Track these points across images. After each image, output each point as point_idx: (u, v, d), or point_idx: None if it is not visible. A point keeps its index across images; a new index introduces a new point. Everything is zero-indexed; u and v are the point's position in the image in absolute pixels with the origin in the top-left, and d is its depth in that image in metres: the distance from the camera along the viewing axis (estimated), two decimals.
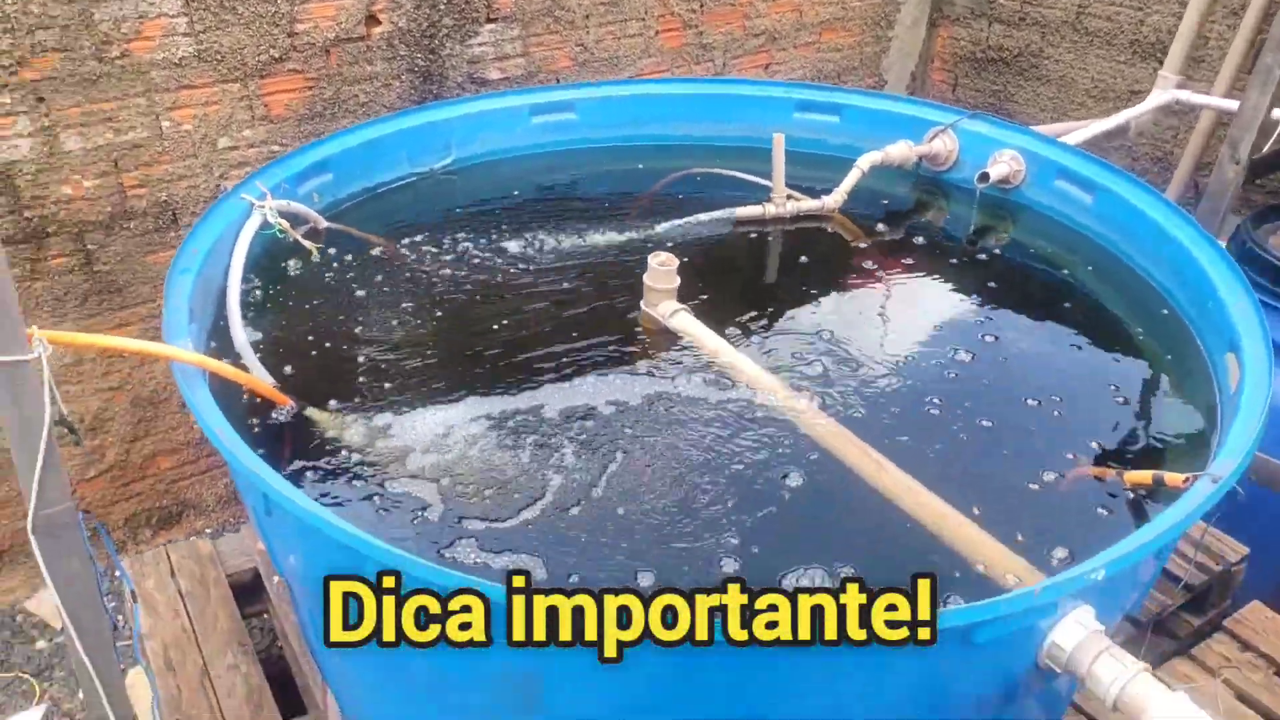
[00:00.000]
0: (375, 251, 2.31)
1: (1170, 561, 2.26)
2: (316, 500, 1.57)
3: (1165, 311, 1.98)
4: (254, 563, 2.38)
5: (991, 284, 2.22)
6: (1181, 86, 3.10)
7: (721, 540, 1.51)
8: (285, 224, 2.19)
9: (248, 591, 2.39)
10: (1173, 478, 1.42)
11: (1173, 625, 2.33)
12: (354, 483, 1.64)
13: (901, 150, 2.51)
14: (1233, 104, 2.71)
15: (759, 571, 1.45)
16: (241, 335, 1.85)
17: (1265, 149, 2.85)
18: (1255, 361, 1.57)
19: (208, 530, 3.04)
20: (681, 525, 1.54)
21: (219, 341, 1.90)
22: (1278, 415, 2.60)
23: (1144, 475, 1.50)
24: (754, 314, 2.15)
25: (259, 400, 1.75)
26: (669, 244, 2.34)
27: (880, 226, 2.50)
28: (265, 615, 2.49)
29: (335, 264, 2.24)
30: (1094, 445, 1.71)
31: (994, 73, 4.01)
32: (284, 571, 1.68)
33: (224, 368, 1.66)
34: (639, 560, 1.48)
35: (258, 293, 2.11)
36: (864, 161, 2.47)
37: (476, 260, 2.29)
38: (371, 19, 2.79)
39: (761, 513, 1.56)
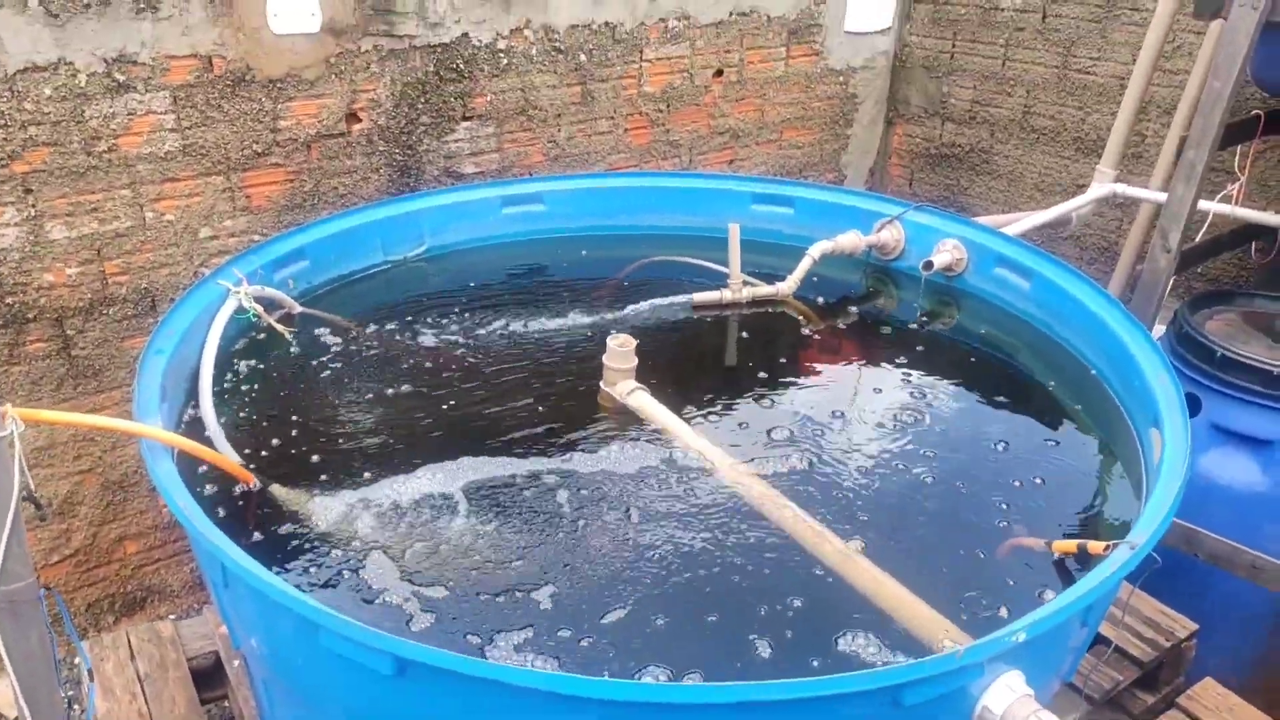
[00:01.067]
0: (347, 335, 2.39)
1: (1122, 639, 2.31)
2: (276, 573, 1.61)
3: (1097, 390, 2.09)
4: (215, 645, 2.38)
5: (937, 366, 2.32)
6: (1119, 180, 3.28)
7: (669, 613, 1.56)
8: (259, 308, 2.28)
9: (208, 675, 2.38)
10: (1094, 546, 1.49)
11: (1126, 702, 2.36)
12: (315, 558, 1.68)
13: (851, 239, 2.64)
14: (1163, 196, 2.88)
15: (716, 641, 1.50)
16: (211, 414, 1.92)
17: (1198, 238, 3.02)
18: (1175, 436, 1.66)
19: (171, 616, 3.04)
20: (635, 602, 1.59)
21: (189, 421, 1.96)
22: (1220, 495, 2.70)
23: (1070, 544, 1.57)
24: (711, 393, 2.23)
25: (226, 477, 1.81)
26: (631, 327, 2.44)
27: (832, 311, 2.62)
28: (225, 702, 2.47)
29: (308, 347, 2.32)
30: (1033, 517, 1.78)
31: (948, 168, 4.22)
32: (241, 647, 1.71)
33: (191, 444, 1.72)
34: (592, 635, 1.52)
35: (231, 374, 2.18)
36: (815, 250, 2.60)
37: (444, 343, 2.38)
38: (352, 116, 2.94)
39: (709, 584, 1.62)
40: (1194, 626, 2.38)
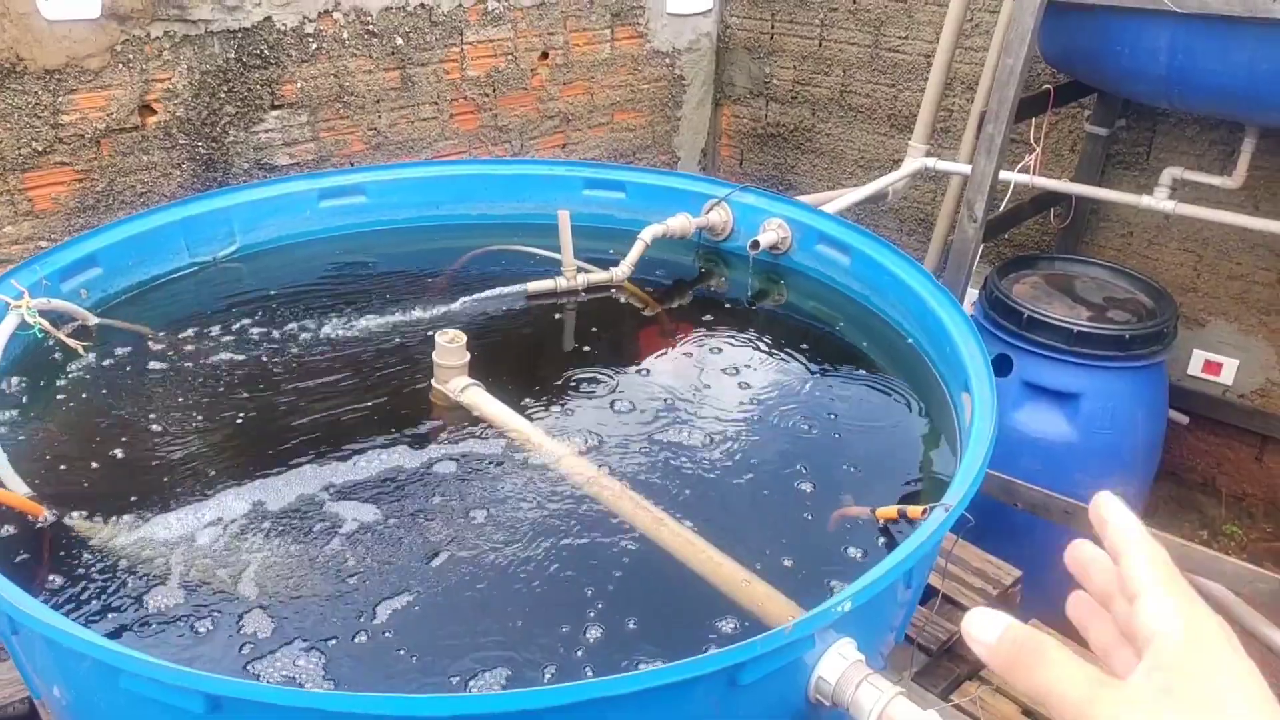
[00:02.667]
0: (150, 346, 2.22)
1: (951, 590, 2.43)
2: (72, 613, 1.48)
3: (914, 358, 2.18)
4: (28, 692, 2.17)
5: (767, 342, 2.37)
6: (929, 155, 3.44)
7: (503, 616, 1.52)
8: (45, 323, 2.08)
9: None
10: (913, 510, 1.55)
11: (962, 650, 2.49)
12: (118, 594, 1.55)
13: (681, 222, 2.66)
14: (969, 169, 3.04)
15: (556, 639, 1.47)
16: None
17: (1002, 207, 3.21)
18: (981, 399, 1.75)
19: None
20: (469, 608, 1.55)
21: None
22: (1033, 447, 2.89)
23: (891, 510, 1.63)
24: (549, 384, 2.20)
25: (12, 513, 1.63)
26: (464, 321, 2.37)
27: (667, 294, 2.63)
28: None
29: (106, 362, 2.13)
30: (860, 485, 1.84)
31: (774, 147, 4.32)
32: (43, 697, 1.55)
33: None
34: (424, 648, 1.47)
35: (15, 398, 1.97)
36: (646, 234, 2.59)
37: (261, 347, 2.24)
38: (146, 108, 2.72)
39: (549, 574, 1.59)
40: (1018, 573, 2.54)
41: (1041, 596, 2.76)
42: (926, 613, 2.36)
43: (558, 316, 2.54)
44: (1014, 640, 0.57)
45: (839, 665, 1.37)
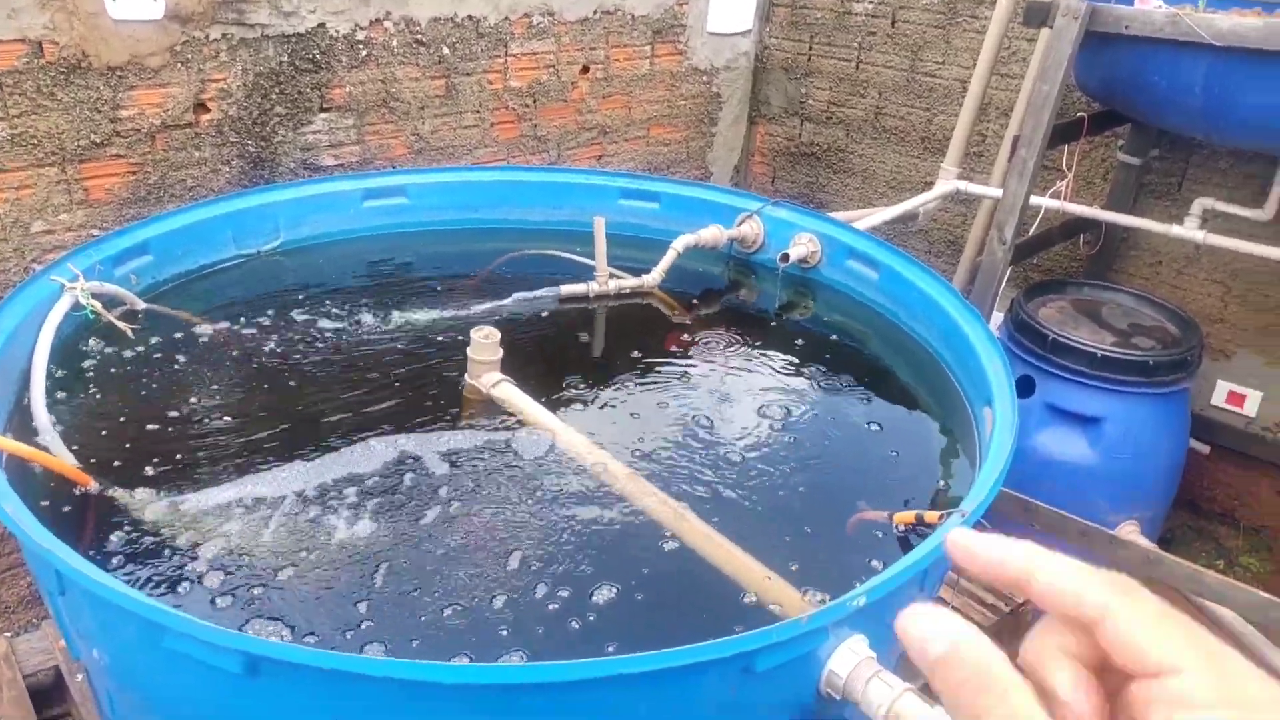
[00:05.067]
0: (194, 332, 2.30)
1: (965, 605, 2.45)
2: (115, 576, 1.54)
3: (939, 373, 2.21)
4: (55, 661, 2.25)
5: (794, 353, 2.42)
6: (961, 178, 3.48)
7: (542, 595, 1.57)
8: (98, 305, 2.17)
9: (48, 692, 2.25)
10: (930, 515, 1.59)
11: None
12: (159, 561, 1.62)
13: (713, 233, 2.72)
14: (1000, 192, 3.07)
15: (578, 622, 1.52)
16: (44, 416, 1.81)
17: (1031, 231, 3.24)
18: (1003, 413, 1.78)
19: (7, 633, 2.84)
20: (503, 587, 1.60)
21: (20, 424, 1.85)
22: (1053, 470, 2.91)
23: (909, 515, 1.67)
24: (578, 383, 2.25)
25: (61, 482, 1.71)
26: (497, 320, 2.44)
27: (696, 302, 2.69)
28: (69, 718, 2.34)
29: (152, 345, 2.22)
30: (882, 493, 1.88)
31: (807, 166, 4.38)
32: (83, 658, 1.62)
33: (20, 447, 1.62)
34: (463, 628, 1.52)
35: (67, 374, 2.06)
36: (679, 243, 2.65)
37: (301, 338, 2.32)
38: (201, 106, 2.82)
39: (578, 567, 1.64)
40: None
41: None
42: None
43: (588, 320, 2.60)
44: (967, 663, 0.42)
45: (850, 660, 1.41)
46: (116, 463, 1.83)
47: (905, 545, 1.71)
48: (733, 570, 1.61)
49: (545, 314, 2.56)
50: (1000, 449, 1.66)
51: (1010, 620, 2.50)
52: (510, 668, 1.33)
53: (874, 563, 1.70)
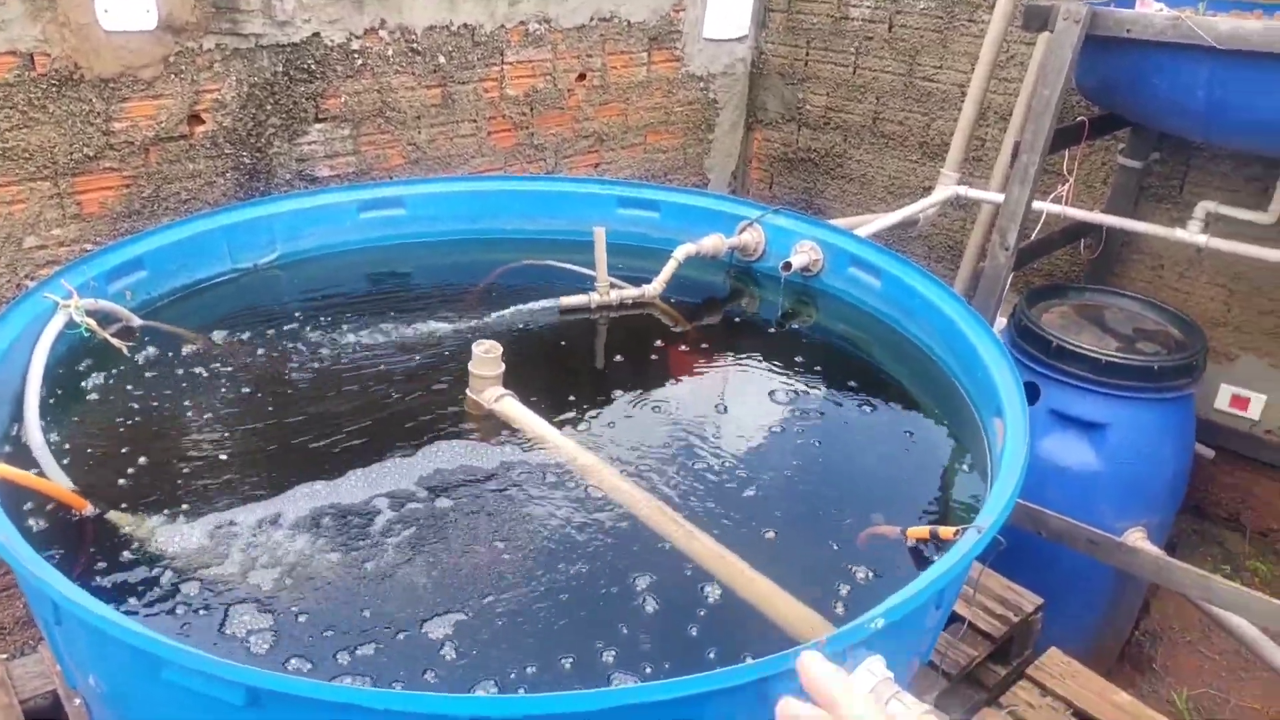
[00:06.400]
0: (192, 348, 2.26)
1: (975, 616, 2.42)
2: (113, 606, 1.51)
3: (945, 382, 2.19)
4: (53, 685, 2.21)
5: (798, 362, 2.39)
6: (961, 183, 3.46)
7: (550, 620, 1.54)
8: (92, 323, 2.13)
9: (45, 717, 2.21)
10: (945, 531, 1.56)
11: (981, 676, 2.48)
12: (158, 588, 1.58)
13: (714, 242, 2.69)
14: (1001, 197, 3.06)
15: (588, 649, 1.49)
16: (38, 438, 1.77)
17: (1033, 236, 3.22)
18: (1014, 424, 1.75)
19: (3, 656, 2.80)
20: (502, 615, 1.57)
21: (12, 447, 1.81)
22: (1059, 476, 2.88)
23: (922, 530, 1.64)
24: (581, 396, 2.22)
25: (55, 505, 1.67)
26: (497, 333, 2.41)
27: (698, 312, 2.66)
28: None
29: (148, 363, 2.18)
30: (890, 506, 1.85)
31: (804, 171, 4.36)
32: (79, 687, 1.58)
33: (13, 471, 1.59)
34: (457, 651, 1.49)
35: (61, 394, 2.02)
36: (680, 253, 2.63)
37: (300, 354, 2.28)
38: (195, 118, 2.79)
39: (578, 585, 1.61)
40: (1040, 600, 2.53)
41: (1062, 626, 2.75)
42: (949, 637, 2.35)
43: (590, 331, 2.57)
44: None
45: (868, 682, 1.37)
46: (112, 485, 1.79)
47: (918, 559, 1.69)
48: (744, 589, 1.58)
49: (546, 326, 2.53)
50: (1013, 462, 1.64)
51: (1020, 627, 2.48)
52: (523, 699, 1.29)
53: (885, 574, 1.67)
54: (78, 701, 2.10)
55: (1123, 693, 2.44)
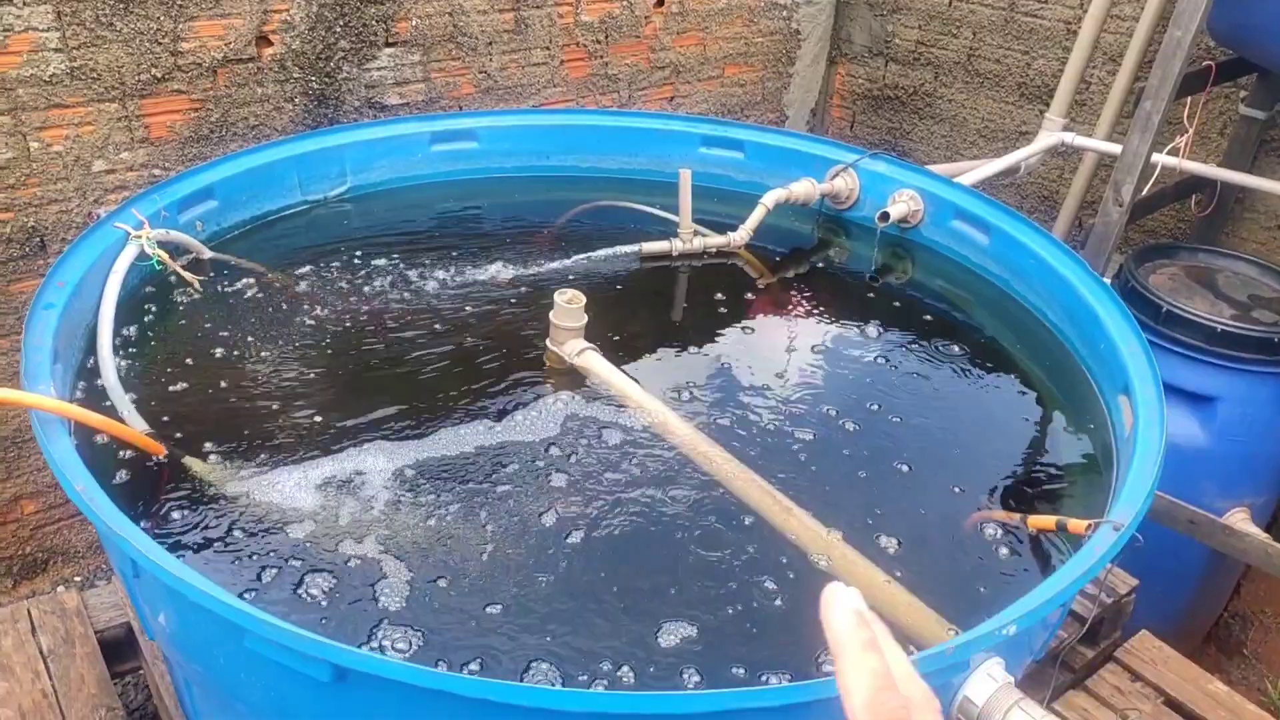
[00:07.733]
0: (264, 284, 2.19)
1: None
2: (191, 560, 1.45)
3: (1060, 352, 2.03)
4: (126, 616, 2.20)
5: (893, 323, 2.24)
6: (1066, 129, 3.22)
7: (627, 604, 1.45)
8: (164, 255, 2.06)
9: (120, 647, 2.21)
10: (1075, 524, 1.43)
11: (1068, 658, 2.38)
12: (235, 542, 1.52)
13: (805, 188, 2.53)
14: (1115, 148, 2.83)
15: (680, 636, 1.40)
16: (113, 378, 1.71)
17: (1145, 191, 2.99)
18: (1147, 406, 1.61)
19: (77, 578, 2.82)
20: (591, 593, 1.48)
21: (87, 384, 1.76)
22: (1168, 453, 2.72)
23: (1047, 520, 1.51)
24: (662, 352, 2.11)
25: (132, 449, 1.62)
26: (573, 278, 2.29)
27: (786, 263, 2.51)
28: (140, 671, 2.31)
29: (219, 298, 2.11)
30: (994, 486, 1.73)
31: (890, 110, 4.12)
32: (155, 635, 1.54)
33: (90, 415, 1.52)
34: (549, 624, 1.41)
35: (133, 330, 1.96)
36: (769, 199, 2.47)
37: (372, 294, 2.20)
38: (263, 40, 2.67)
39: (665, 560, 1.52)
40: (1134, 582, 2.40)
41: (1148, 604, 2.62)
42: None
43: (672, 281, 2.45)
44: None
45: (988, 687, 1.28)
46: (187, 427, 1.73)
47: (1037, 550, 1.56)
48: (846, 574, 1.48)
49: (625, 273, 2.41)
50: (1149, 449, 1.50)
51: (1111, 609, 2.36)
52: (618, 696, 1.21)
53: (995, 564, 1.55)
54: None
55: (1218, 681, 2.32)
